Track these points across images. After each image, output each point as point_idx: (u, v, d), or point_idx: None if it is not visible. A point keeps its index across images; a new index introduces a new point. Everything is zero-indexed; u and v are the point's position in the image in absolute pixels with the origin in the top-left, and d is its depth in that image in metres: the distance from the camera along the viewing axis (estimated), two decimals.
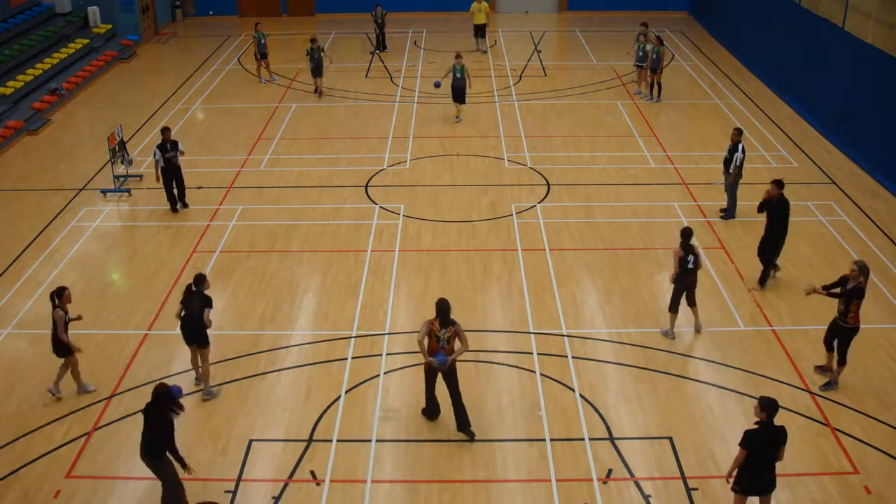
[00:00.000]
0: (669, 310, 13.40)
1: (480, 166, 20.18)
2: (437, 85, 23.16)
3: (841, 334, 12.04)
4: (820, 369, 12.63)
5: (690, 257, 12.96)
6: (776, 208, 14.53)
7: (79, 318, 12.38)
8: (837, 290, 11.95)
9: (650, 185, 19.01)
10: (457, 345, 11.09)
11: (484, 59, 29.48)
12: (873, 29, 20.01)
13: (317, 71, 24.92)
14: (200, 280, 11.94)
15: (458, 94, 22.78)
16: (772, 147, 21.22)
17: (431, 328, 10.97)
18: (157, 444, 9.81)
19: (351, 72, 28.01)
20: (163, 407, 9.80)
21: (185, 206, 17.98)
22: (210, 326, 11.91)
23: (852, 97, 20.99)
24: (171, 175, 17.59)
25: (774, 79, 25.88)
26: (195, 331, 11.88)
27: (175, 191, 17.84)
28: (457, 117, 23.13)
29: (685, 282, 13.16)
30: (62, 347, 12.01)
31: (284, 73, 27.75)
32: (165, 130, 17.45)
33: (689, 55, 29.53)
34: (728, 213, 17.29)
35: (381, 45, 30.33)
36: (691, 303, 13.45)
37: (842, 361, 12.17)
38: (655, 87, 24.35)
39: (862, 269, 11.72)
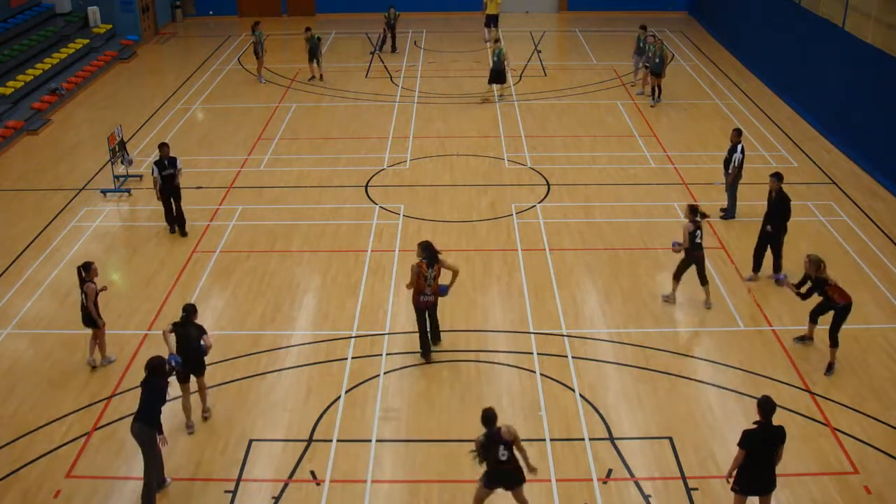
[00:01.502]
0: (674, 277, 14.18)
1: (480, 166, 20.19)
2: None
3: (836, 311, 12.42)
4: (800, 339, 13.22)
5: (698, 231, 13.73)
6: (777, 202, 14.70)
7: (104, 288, 13.00)
8: (805, 287, 12.62)
9: (650, 185, 19.01)
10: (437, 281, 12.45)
11: (485, 57, 29.50)
12: (873, 29, 20.01)
13: (310, 57, 26.40)
14: (194, 310, 11.55)
15: (498, 76, 24.20)
16: (772, 147, 21.22)
17: (420, 270, 12.23)
18: (153, 411, 10.10)
19: (351, 72, 28.01)
20: (160, 377, 10.18)
21: (184, 234, 16.81)
22: (211, 346, 11.61)
23: (852, 97, 20.99)
24: (168, 194, 16.55)
25: (774, 79, 25.88)
26: (197, 360, 11.51)
27: (173, 211, 16.81)
28: (500, 95, 24.77)
29: (694, 255, 13.88)
30: (90, 319, 12.67)
31: (284, 73, 27.76)
32: (163, 146, 16.49)
33: (689, 55, 29.52)
34: (728, 212, 17.30)
35: (391, 46, 30.24)
36: (703, 281, 14.14)
37: (834, 343, 12.52)
38: (656, 89, 24.22)
39: (812, 262, 12.38)
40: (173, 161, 16.53)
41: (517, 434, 9.40)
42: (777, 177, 14.79)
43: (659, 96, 24.21)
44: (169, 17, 35.39)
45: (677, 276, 14.19)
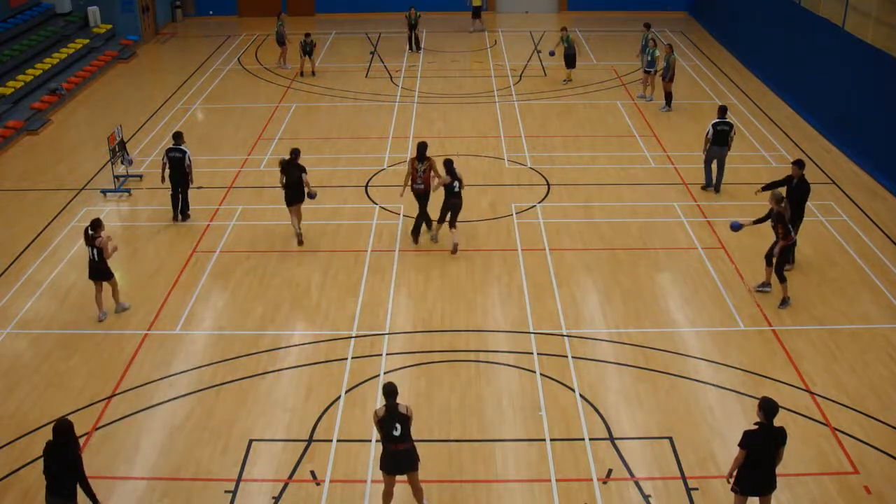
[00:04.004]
0: (438, 221, 16.13)
1: (480, 166, 20.18)
2: (552, 54, 26.93)
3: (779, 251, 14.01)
4: (759, 286, 14.56)
5: (455, 183, 15.48)
6: (796, 189, 14.94)
7: (115, 248, 14.05)
8: (765, 220, 14.20)
9: (650, 185, 19.01)
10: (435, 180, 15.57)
11: (484, 56, 29.53)
12: (873, 29, 20.01)
13: (302, 52, 27.24)
14: (297, 153, 15.82)
15: (570, 61, 26.20)
16: (772, 147, 21.23)
17: (413, 164, 15.46)
18: (68, 482, 9.11)
19: (351, 72, 28.02)
20: (67, 443, 9.07)
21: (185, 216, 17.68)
22: (310, 188, 15.86)
23: (852, 97, 20.99)
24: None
25: (774, 79, 25.88)
26: (297, 193, 15.81)
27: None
28: (565, 80, 26.51)
29: (451, 202, 15.69)
30: (106, 271, 13.80)
31: (284, 73, 27.77)
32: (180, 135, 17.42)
33: (689, 55, 29.53)
34: (708, 184, 18.26)
35: (415, 45, 30.24)
36: (453, 225, 15.85)
37: (781, 279, 14.08)
38: (665, 95, 23.82)
39: (775, 197, 13.80)
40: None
41: (412, 415, 9.81)
42: (798, 164, 15.08)
43: (668, 103, 23.67)
44: (169, 17, 35.41)
45: (442, 220, 16.00)
